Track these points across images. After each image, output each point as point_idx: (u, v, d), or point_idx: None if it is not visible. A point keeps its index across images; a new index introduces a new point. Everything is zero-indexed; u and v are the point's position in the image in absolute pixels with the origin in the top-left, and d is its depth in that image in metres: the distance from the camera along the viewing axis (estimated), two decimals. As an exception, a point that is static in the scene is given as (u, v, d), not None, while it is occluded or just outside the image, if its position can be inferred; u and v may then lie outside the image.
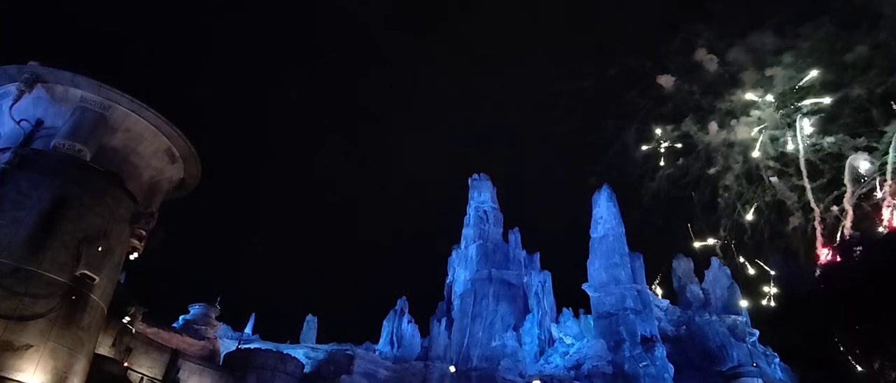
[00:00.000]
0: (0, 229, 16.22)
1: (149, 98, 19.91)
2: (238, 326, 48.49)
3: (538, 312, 51.24)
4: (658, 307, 54.02)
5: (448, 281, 57.68)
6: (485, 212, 58.38)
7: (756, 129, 65.13)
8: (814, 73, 60.23)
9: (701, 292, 58.55)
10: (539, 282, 53.99)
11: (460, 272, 55.31)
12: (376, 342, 47.69)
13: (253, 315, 51.25)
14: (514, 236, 56.58)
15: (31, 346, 15.44)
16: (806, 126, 61.23)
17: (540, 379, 42.86)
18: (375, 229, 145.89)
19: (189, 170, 22.51)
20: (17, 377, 15.06)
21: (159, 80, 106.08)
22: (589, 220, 56.29)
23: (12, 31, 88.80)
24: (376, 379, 37.30)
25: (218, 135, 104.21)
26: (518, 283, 53.35)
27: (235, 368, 29.11)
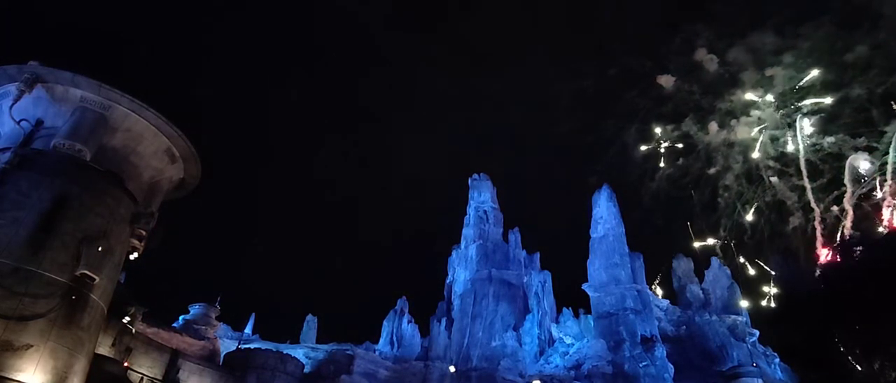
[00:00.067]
0: (0, 229, 16.21)
1: (149, 98, 19.93)
2: (238, 326, 48.52)
3: (538, 312, 51.24)
4: (658, 307, 54.03)
5: (448, 281, 57.69)
6: (485, 212, 58.38)
7: (756, 129, 65.15)
8: (814, 73, 60.27)
9: (701, 292, 58.56)
10: (539, 282, 53.99)
11: (460, 272, 55.31)
12: (376, 342, 47.70)
13: (253, 315, 51.34)
14: (514, 236, 56.58)
15: (31, 346, 15.44)
16: (806, 126, 61.24)
17: (540, 379, 42.86)
18: (375, 229, 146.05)
19: (189, 170, 22.51)
20: (17, 377, 15.06)
21: (159, 80, 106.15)
22: (589, 220, 56.32)
23: (12, 31, 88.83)
24: (376, 379, 37.31)
25: (218, 135, 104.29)
26: (518, 283, 53.35)
27: (235, 368, 29.11)
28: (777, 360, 52.54)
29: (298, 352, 36.56)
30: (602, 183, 58.40)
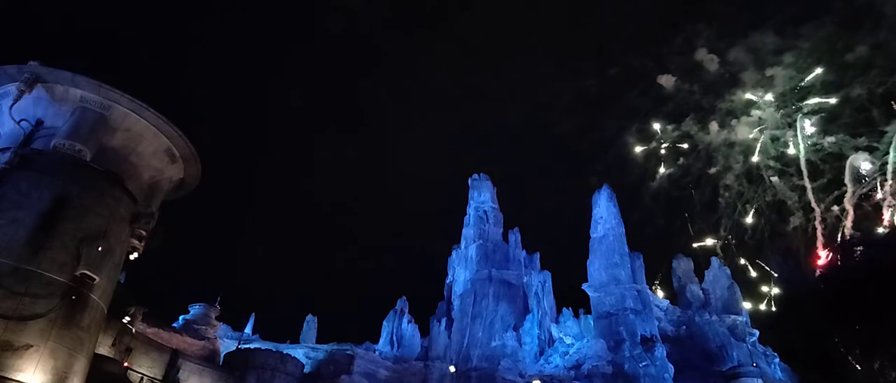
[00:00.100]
0: (0, 229, 16.22)
1: (149, 98, 19.92)
2: (238, 326, 48.53)
3: (538, 312, 51.24)
4: (658, 307, 54.03)
5: (448, 281, 57.70)
6: (485, 212, 58.39)
7: (757, 129, 65.12)
8: (815, 73, 60.25)
9: (701, 292, 58.57)
10: (539, 282, 53.99)
11: (460, 272, 55.31)
12: (376, 342, 47.70)
13: (253, 315, 51.35)
14: (514, 236, 56.59)
15: (31, 346, 15.44)
16: (807, 126, 61.22)
17: (540, 379, 42.86)
18: (375, 229, 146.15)
19: (189, 170, 22.51)
20: (17, 377, 15.07)
21: (159, 80, 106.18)
22: (589, 220, 56.34)
23: (12, 31, 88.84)
24: (376, 379, 37.31)
25: (218, 135, 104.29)
26: (518, 283, 53.35)
27: (235, 368, 29.13)
28: (777, 360, 52.52)
29: (298, 352, 36.57)
30: (602, 183, 58.52)
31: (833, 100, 58.64)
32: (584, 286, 52.19)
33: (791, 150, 62.58)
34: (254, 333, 48.91)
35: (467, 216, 59.22)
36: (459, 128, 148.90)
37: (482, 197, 59.67)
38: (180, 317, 34.70)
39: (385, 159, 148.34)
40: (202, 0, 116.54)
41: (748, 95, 66.29)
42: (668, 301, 58.40)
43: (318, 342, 47.95)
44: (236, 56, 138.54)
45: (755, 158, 64.34)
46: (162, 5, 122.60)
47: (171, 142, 21.11)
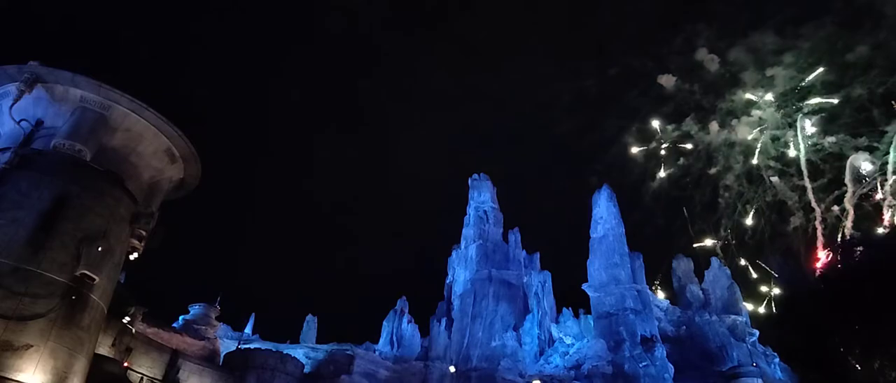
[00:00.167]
0: (0, 229, 16.22)
1: (149, 98, 19.92)
2: (238, 326, 48.54)
3: (538, 312, 51.24)
4: (658, 307, 54.04)
5: (448, 281, 57.70)
6: (485, 212, 58.38)
7: (757, 129, 65.08)
8: (816, 73, 60.23)
9: (701, 292, 58.58)
10: (539, 282, 53.99)
11: (460, 272, 55.31)
12: (376, 342, 47.70)
13: (253, 315, 51.36)
14: (514, 236, 56.58)
15: (31, 346, 15.43)
16: (807, 126, 61.19)
17: (540, 379, 42.86)
18: (375, 229, 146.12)
19: (189, 170, 22.50)
20: (17, 377, 15.07)
21: (159, 80, 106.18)
22: (589, 220, 56.34)
23: (12, 31, 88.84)
24: (376, 379, 37.31)
25: (218, 135, 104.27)
26: (518, 283, 53.35)
27: (235, 368, 29.12)
28: (777, 360, 52.53)
29: (298, 352, 36.57)
30: (602, 183, 58.54)
31: (835, 100, 58.62)
32: (584, 286, 52.19)
33: (791, 151, 62.57)
34: (254, 333, 48.92)
35: (467, 216, 59.23)
36: (459, 128, 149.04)
37: (482, 197, 59.67)
38: (180, 317, 34.69)
39: (385, 159, 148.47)
40: (202, 0, 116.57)
41: (748, 95, 66.31)
42: (668, 301, 58.42)
43: (318, 342, 47.96)
44: (236, 56, 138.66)
45: (756, 158, 64.35)
46: (162, 5, 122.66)
47: (171, 142, 21.10)
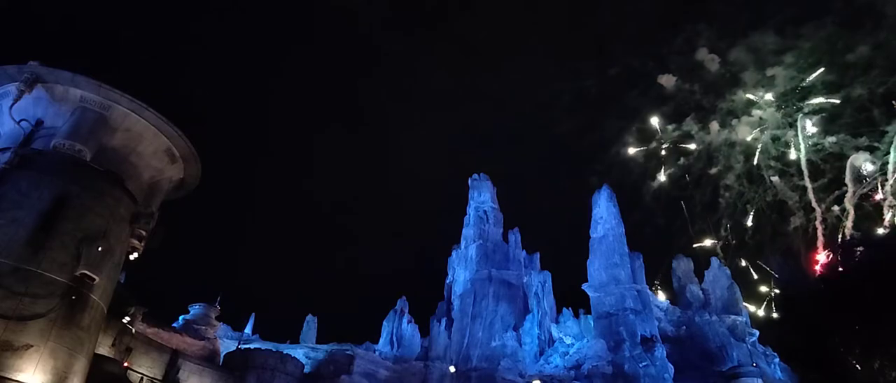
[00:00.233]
0: (0, 229, 16.22)
1: (149, 98, 19.92)
2: (238, 326, 48.53)
3: (538, 312, 51.23)
4: (658, 307, 54.03)
5: (448, 281, 57.71)
6: (485, 212, 58.38)
7: (757, 129, 65.08)
8: (816, 73, 60.23)
9: (701, 292, 58.57)
10: (539, 282, 53.99)
11: (460, 272, 55.31)
12: (376, 342, 47.70)
13: (253, 315, 51.36)
14: (514, 236, 56.58)
15: (31, 346, 15.44)
16: (808, 126, 61.19)
17: (540, 379, 42.86)
18: (375, 229, 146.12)
19: (189, 170, 22.50)
20: (17, 377, 15.07)
21: (159, 80, 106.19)
22: (589, 220, 56.33)
23: (12, 31, 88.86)
24: (376, 379, 37.31)
25: (218, 135, 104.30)
26: (518, 283, 53.34)
27: (235, 368, 29.12)
28: (777, 360, 52.55)
29: (298, 352, 36.57)
30: (602, 183, 58.54)
31: (837, 100, 58.63)
32: (584, 286, 52.19)
33: (792, 151, 62.56)
34: (254, 333, 48.92)
35: (467, 216, 59.23)
36: (459, 128, 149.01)
37: (482, 197, 59.67)
38: (180, 317, 34.69)
39: (385, 159, 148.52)
40: (202, 0, 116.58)
41: (749, 95, 66.31)
42: (668, 301, 58.42)
43: (318, 342, 47.97)
44: (236, 56, 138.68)
45: (756, 159, 64.33)
46: (162, 5, 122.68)
47: (171, 142, 21.10)
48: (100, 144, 19.26)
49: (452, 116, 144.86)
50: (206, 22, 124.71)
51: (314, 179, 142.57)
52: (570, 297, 53.53)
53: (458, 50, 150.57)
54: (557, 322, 51.38)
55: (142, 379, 22.62)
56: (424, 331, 47.26)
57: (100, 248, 17.35)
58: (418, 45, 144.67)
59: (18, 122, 18.91)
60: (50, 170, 17.83)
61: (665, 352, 45.64)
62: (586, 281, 52.46)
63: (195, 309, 34.78)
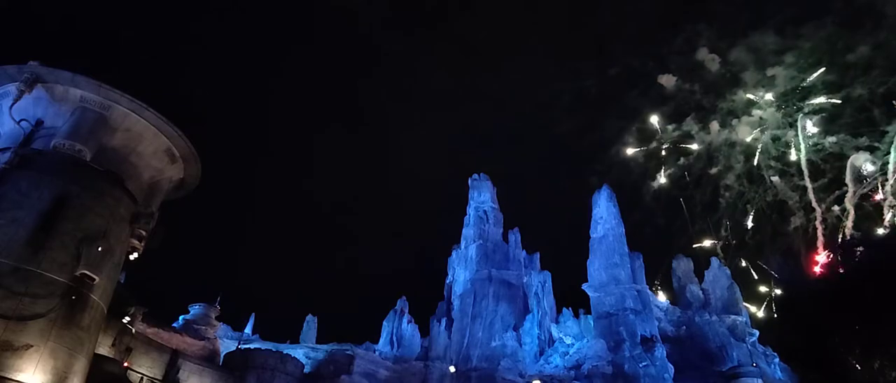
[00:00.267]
0: (0, 229, 16.23)
1: (149, 98, 19.92)
2: (238, 326, 48.52)
3: (538, 312, 51.22)
4: (658, 307, 54.03)
5: (448, 281, 57.71)
6: (485, 212, 58.38)
7: (758, 129, 65.10)
8: (817, 73, 60.23)
9: (701, 292, 58.57)
10: (539, 282, 53.98)
11: (460, 272, 55.31)
12: (376, 342, 47.70)
13: (253, 315, 51.35)
14: (514, 236, 56.57)
15: (31, 346, 15.44)
16: (808, 126, 61.19)
17: (540, 379, 42.85)
18: (375, 229, 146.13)
19: (189, 170, 22.50)
20: (17, 377, 15.07)
21: (159, 80, 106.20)
22: (589, 220, 56.33)
23: (12, 31, 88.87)
24: (376, 379, 37.31)
25: (217, 135, 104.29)
26: (518, 283, 53.34)
27: (235, 368, 29.12)
28: (777, 360, 52.56)
29: (298, 352, 36.57)
30: (602, 183, 58.55)
31: (838, 100, 58.65)
32: (584, 286, 52.19)
33: (792, 150, 62.57)
34: (254, 333, 48.92)
35: (467, 216, 59.23)
36: (459, 128, 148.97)
37: (482, 197, 59.67)
38: (180, 317, 34.69)
39: (385, 159, 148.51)
40: (202, 0, 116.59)
41: (749, 95, 66.32)
42: (668, 301, 58.43)
43: (318, 342, 47.96)
44: (236, 56, 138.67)
45: (756, 159, 64.33)
46: (162, 5, 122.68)
47: (171, 142, 21.10)
48: (100, 144, 19.26)
49: (452, 116, 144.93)
50: (206, 22, 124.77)
51: (314, 179, 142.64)
52: (570, 297, 53.59)
53: (458, 50, 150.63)
54: (557, 322, 51.38)
55: (142, 379, 22.62)
56: (424, 331, 47.27)
57: (100, 248, 17.36)
58: (418, 45, 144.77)
59: (18, 122, 18.91)
60: (50, 170, 17.83)
61: (665, 352, 45.63)
62: (586, 281, 52.46)
63: (195, 309, 34.78)
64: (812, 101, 60.92)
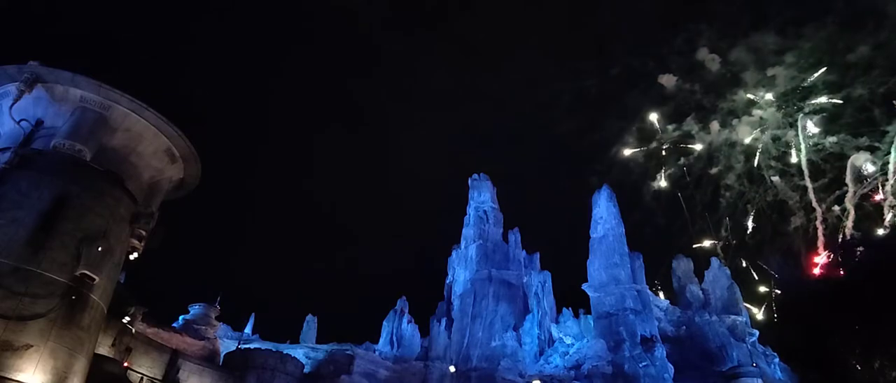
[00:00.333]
0: (0, 229, 16.23)
1: (149, 98, 19.91)
2: (238, 326, 48.52)
3: (538, 312, 51.22)
4: (658, 307, 54.02)
5: (448, 281, 57.71)
6: (485, 212, 58.38)
7: (758, 129, 65.08)
8: (817, 73, 60.21)
9: (701, 292, 58.57)
10: (539, 282, 53.98)
11: (460, 272, 55.32)
12: (376, 342, 47.70)
13: (253, 315, 51.34)
14: (514, 236, 56.57)
15: (31, 346, 15.44)
16: (809, 126, 61.18)
17: (540, 379, 42.85)
18: (375, 229, 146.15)
19: (189, 170, 22.50)
20: (17, 377, 15.07)
21: (159, 80, 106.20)
22: (589, 220, 56.33)
23: (12, 31, 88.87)
24: (376, 379, 37.31)
25: (218, 135, 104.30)
26: (518, 283, 53.34)
27: (235, 368, 29.12)
28: (777, 360, 52.55)
29: (298, 352, 36.57)
30: (602, 183, 58.55)
31: (839, 100, 58.64)
32: (584, 286, 52.19)
33: (792, 151, 62.55)
34: (254, 333, 48.92)
35: (467, 216, 59.23)
36: (459, 128, 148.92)
37: (482, 197, 59.67)
38: (180, 317, 34.69)
39: (385, 159, 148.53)
40: (202, 0, 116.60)
41: (749, 95, 66.31)
42: (668, 301, 58.42)
43: (318, 342, 47.95)
44: (236, 56, 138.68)
45: (756, 159, 64.31)
46: (162, 5, 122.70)
47: (171, 142, 21.10)
48: (100, 144, 19.26)
49: (452, 116, 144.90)
50: (206, 22, 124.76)
51: (314, 179, 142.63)
52: (570, 297, 53.57)
53: (458, 50, 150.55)
54: (557, 322, 51.38)
55: (142, 379, 22.63)
56: (424, 331, 47.26)
57: (100, 248, 17.36)
58: (418, 45, 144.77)
59: (18, 122, 18.91)
60: (50, 170, 17.83)
61: (665, 352, 45.63)
62: (586, 281, 52.46)
63: (195, 309, 34.78)
64: (812, 101, 60.91)
